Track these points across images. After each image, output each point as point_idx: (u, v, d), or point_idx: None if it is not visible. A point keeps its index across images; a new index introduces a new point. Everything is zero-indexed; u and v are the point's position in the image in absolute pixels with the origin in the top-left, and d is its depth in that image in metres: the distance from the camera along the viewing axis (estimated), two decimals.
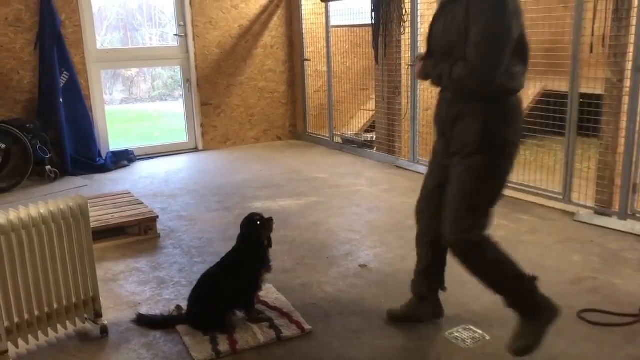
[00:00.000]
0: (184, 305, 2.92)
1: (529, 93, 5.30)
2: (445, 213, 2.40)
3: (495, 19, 2.15)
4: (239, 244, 2.83)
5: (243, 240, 2.82)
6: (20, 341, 2.53)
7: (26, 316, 2.51)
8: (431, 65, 2.39)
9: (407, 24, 5.43)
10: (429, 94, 5.53)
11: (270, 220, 2.84)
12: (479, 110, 2.28)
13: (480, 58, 2.17)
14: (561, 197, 4.34)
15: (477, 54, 2.17)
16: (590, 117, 4.19)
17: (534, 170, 4.65)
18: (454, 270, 3.35)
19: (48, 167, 5.57)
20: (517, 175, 4.72)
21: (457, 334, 2.68)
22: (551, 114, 4.52)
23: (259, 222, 2.80)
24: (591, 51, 4.07)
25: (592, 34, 4.01)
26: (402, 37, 5.59)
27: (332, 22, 6.47)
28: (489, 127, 2.27)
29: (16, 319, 2.48)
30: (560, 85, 4.56)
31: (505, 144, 2.31)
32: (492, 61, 2.17)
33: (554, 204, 4.39)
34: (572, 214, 4.20)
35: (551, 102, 4.55)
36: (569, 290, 3.08)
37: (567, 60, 4.23)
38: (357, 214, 4.36)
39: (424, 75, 2.47)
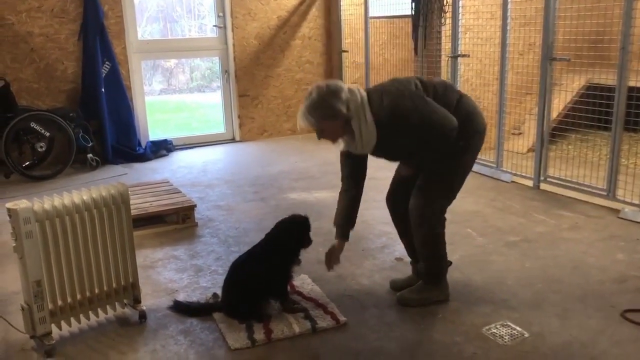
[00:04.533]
0: (221, 293, 2.95)
1: (573, 86, 5.15)
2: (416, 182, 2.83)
3: (418, 114, 2.53)
4: (276, 239, 2.82)
5: (281, 238, 2.81)
6: (63, 323, 2.60)
7: (69, 300, 2.58)
8: (411, 162, 2.82)
9: (448, 14, 5.34)
10: (469, 85, 5.44)
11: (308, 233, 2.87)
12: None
13: (440, 133, 2.56)
14: (605, 193, 4.21)
15: (435, 136, 2.57)
16: (638, 111, 4.05)
17: (576, 165, 4.52)
18: (493, 266, 3.31)
19: (90, 155, 5.70)
20: (559, 170, 4.61)
21: (494, 330, 2.63)
22: (596, 108, 4.38)
23: (303, 231, 2.82)
24: None
25: None
26: (443, 28, 5.50)
27: (371, 13, 6.41)
28: (446, 161, 2.73)
29: (60, 302, 2.55)
30: (607, 77, 4.41)
31: (462, 150, 2.73)
32: (445, 125, 2.55)
33: (597, 200, 4.27)
34: (616, 211, 4.07)
35: (597, 95, 4.41)
36: (612, 289, 2.99)
37: (615, 52, 4.09)
38: None
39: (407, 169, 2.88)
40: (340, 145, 2.75)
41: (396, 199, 2.96)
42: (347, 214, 2.85)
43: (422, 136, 2.60)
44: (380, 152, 2.71)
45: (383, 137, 2.59)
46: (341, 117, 2.53)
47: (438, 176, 2.73)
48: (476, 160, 5.17)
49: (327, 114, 2.52)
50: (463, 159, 2.76)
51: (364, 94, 2.59)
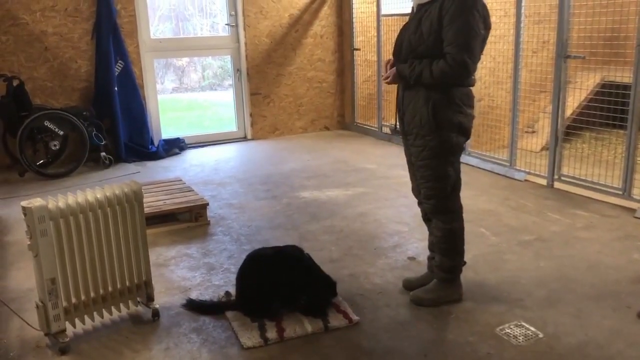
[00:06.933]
0: (233, 291, 2.96)
1: (588, 83, 5.10)
2: (418, 185, 2.85)
3: (469, 22, 2.49)
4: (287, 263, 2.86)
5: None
6: (77, 321, 2.62)
7: (83, 297, 2.60)
8: (407, 67, 2.66)
9: None
10: (482, 84, 5.40)
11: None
12: (430, 97, 2.62)
13: (460, 54, 2.50)
14: (621, 192, 4.17)
15: (458, 51, 2.50)
16: None
17: (591, 163, 4.47)
18: (507, 266, 3.28)
19: (103, 154, 5.73)
20: (574, 169, 4.57)
21: (508, 330, 2.61)
22: (612, 106, 4.33)
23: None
24: None
25: None
26: None
27: (383, 11, 6.39)
28: (438, 113, 2.62)
29: (74, 300, 2.57)
30: (623, 75, 4.36)
31: (454, 125, 2.64)
32: (470, 57, 2.52)
33: (612, 199, 4.22)
34: (632, 210, 4.02)
35: (612, 93, 4.36)
36: (628, 289, 2.96)
37: (631, 50, 4.04)
38: (406, 205, 4.31)
39: (397, 79, 2.73)
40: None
41: (419, 199, 2.95)
42: None
43: (447, 39, 2.52)
44: (408, 26, 2.71)
45: (425, 10, 2.60)
46: None
47: (425, 162, 2.72)
48: (489, 159, 5.20)
49: None
50: (446, 140, 2.68)
51: None
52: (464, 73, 2.55)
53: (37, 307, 2.49)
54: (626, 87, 4.10)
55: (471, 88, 2.72)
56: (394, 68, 2.74)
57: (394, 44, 2.81)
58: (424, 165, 2.74)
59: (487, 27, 2.61)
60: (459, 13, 2.49)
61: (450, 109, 2.63)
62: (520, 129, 5.31)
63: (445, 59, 2.54)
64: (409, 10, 2.84)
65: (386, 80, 2.79)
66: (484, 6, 2.58)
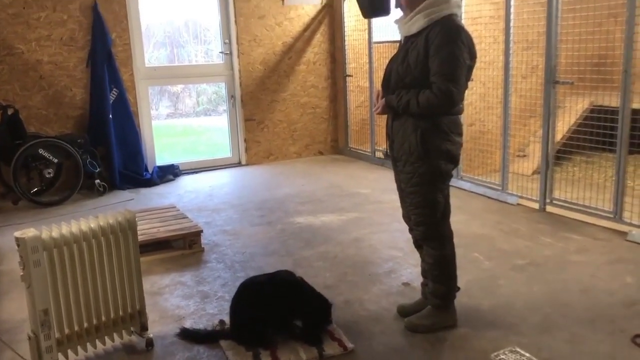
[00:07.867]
0: (227, 320, 2.95)
1: (577, 108, 5.17)
2: (408, 212, 2.89)
3: (454, 52, 2.55)
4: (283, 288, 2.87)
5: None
6: (70, 352, 2.60)
7: (76, 328, 2.58)
8: (395, 97, 2.72)
9: None
10: (473, 109, 5.47)
11: None
12: (418, 125, 2.67)
13: (445, 84, 2.55)
14: (612, 215, 4.20)
15: (443, 81, 2.56)
16: None
17: (582, 187, 4.51)
18: (501, 291, 3.29)
19: (97, 181, 5.73)
20: (565, 192, 4.60)
21: (503, 357, 2.61)
22: (601, 130, 4.39)
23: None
24: None
25: None
26: None
27: (375, 38, 6.49)
28: (427, 141, 2.66)
29: (67, 331, 2.55)
30: (611, 100, 4.43)
31: (442, 153, 2.68)
32: (455, 86, 2.57)
33: (604, 222, 4.25)
34: (623, 234, 4.05)
35: (601, 117, 4.42)
36: (621, 313, 2.97)
37: (618, 75, 4.11)
38: (400, 230, 4.32)
39: (386, 109, 2.79)
40: None
41: (410, 225, 2.96)
42: None
43: (433, 69, 2.58)
44: (396, 57, 2.77)
45: (412, 42, 2.66)
46: None
47: (419, 194, 2.76)
48: (481, 183, 5.24)
49: None
50: (435, 167, 2.72)
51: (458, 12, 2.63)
52: (449, 102, 2.60)
53: (29, 338, 2.47)
54: (614, 111, 4.17)
55: (459, 116, 2.77)
56: (384, 99, 2.79)
57: (382, 75, 2.87)
58: (413, 191, 2.77)
59: (473, 56, 2.67)
60: (444, 44, 2.55)
61: (438, 137, 2.67)
62: (512, 153, 5.37)
63: (431, 88, 2.59)
64: (399, 38, 2.90)
65: (376, 112, 2.84)
66: (469, 36, 2.65)
